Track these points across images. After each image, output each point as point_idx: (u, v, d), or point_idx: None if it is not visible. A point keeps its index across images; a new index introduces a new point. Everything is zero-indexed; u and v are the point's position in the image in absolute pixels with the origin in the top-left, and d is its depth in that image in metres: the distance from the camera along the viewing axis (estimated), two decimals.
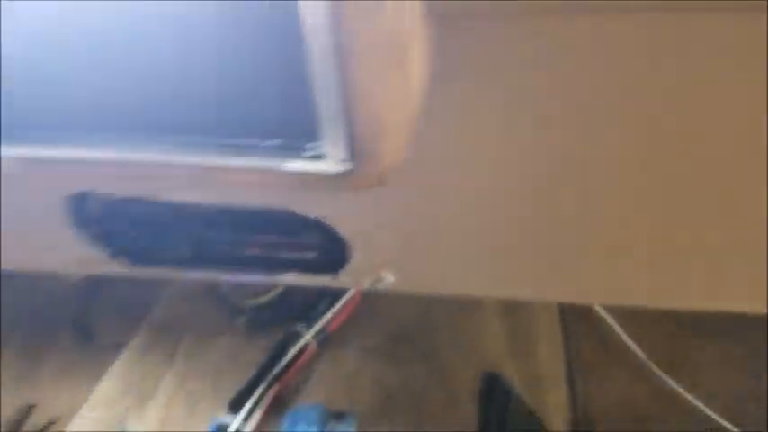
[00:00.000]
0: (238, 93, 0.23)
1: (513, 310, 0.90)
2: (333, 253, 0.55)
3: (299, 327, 0.79)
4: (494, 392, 0.79)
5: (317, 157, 0.24)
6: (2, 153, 0.28)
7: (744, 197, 0.38)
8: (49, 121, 0.27)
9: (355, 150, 0.23)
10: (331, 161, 0.24)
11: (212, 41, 0.22)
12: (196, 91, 0.23)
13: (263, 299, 0.84)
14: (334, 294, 0.81)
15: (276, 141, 0.24)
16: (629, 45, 0.29)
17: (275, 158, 0.24)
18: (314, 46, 0.21)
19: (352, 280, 0.54)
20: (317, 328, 0.79)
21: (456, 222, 0.48)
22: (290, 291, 0.84)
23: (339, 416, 0.70)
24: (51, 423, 0.90)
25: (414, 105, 0.25)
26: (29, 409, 0.93)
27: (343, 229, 0.49)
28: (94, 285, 1.13)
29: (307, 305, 0.82)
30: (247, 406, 0.70)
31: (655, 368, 0.89)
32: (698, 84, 0.31)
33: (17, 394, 0.95)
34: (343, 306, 0.80)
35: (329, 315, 0.80)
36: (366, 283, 0.54)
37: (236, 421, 0.68)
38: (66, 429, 0.78)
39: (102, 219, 0.58)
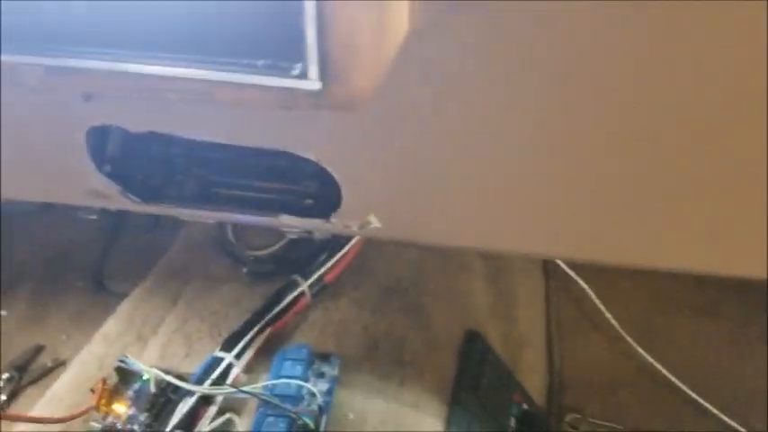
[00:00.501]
0: (234, 16, 0.28)
1: (500, 274, 0.95)
2: (327, 197, 0.59)
3: (297, 277, 0.84)
4: (472, 349, 0.84)
5: (299, 77, 0.28)
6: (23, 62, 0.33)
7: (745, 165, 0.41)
8: (63, 34, 0.31)
9: (329, 71, 0.28)
10: (309, 80, 0.28)
11: None
12: (196, 13, 0.28)
13: (267, 251, 0.90)
14: (333, 249, 0.86)
15: (265, 61, 0.29)
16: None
17: (263, 76, 0.29)
18: None
19: (341, 223, 0.59)
20: (313, 278, 0.84)
21: (447, 171, 0.52)
22: (292, 244, 0.89)
23: (324, 357, 0.76)
24: (58, 364, 0.96)
25: (389, 35, 0.29)
26: (36, 351, 0.99)
27: (337, 172, 0.53)
28: (109, 235, 1.18)
29: (307, 258, 0.88)
30: (240, 345, 0.76)
31: (628, 338, 0.93)
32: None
33: (26, 337, 1.01)
34: (339, 259, 0.85)
35: (325, 267, 0.84)
36: (354, 227, 0.59)
37: (228, 357, 0.74)
38: (71, 364, 0.83)
39: (116, 155, 0.63)
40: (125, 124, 0.55)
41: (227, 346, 0.76)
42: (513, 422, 0.82)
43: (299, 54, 0.28)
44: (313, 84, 0.28)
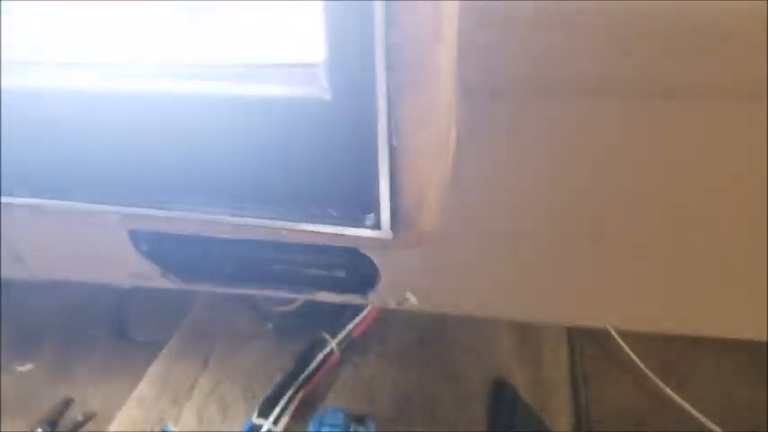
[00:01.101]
0: (309, 169, 0.29)
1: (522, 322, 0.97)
2: (362, 275, 0.61)
3: (325, 334, 0.85)
4: (502, 397, 0.86)
5: (372, 227, 0.30)
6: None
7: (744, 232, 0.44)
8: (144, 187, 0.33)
9: (400, 220, 0.29)
10: (383, 230, 0.30)
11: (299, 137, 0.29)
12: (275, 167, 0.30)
13: (291, 306, 0.91)
14: (357, 305, 0.87)
15: (338, 211, 0.30)
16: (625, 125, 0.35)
17: (338, 225, 0.31)
18: (378, 143, 0.27)
19: (378, 299, 0.61)
20: (341, 335, 0.85)
21: (476, 250, 0.53)
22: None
23: (359, 419, 0.77)
24: (89, 417, 0.97)
25: (447, 179, 0.31)
26: (66, 404, 0.99)
27: (376, 257, 0.55)
28: (129, 285, 1.19)
29: (332, 313, 0.89)
30: (277, 410, 0.77)
31: (652, 376, 0.95)
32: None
33: (54, 389, 1.02)
34: (365, 315, 0.86)
35: (352, 324, 0.86)
36: (392, 303, 0.61)
37: (267, 424, 0.75)
38: (109, 429, 0.84)
39: (156, 240, 0.64)
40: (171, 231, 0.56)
41: (264, 412, 0.77)
42: None
43: (371, 205, 0.30)
44: (385, 233, 0.30)
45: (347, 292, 0.62)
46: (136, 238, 0.62)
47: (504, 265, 0.54)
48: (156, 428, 0.78)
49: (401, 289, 0.59)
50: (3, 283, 1.18)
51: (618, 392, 0.97)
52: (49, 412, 0.97)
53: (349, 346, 0.87)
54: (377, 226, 0.30)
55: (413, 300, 0.59)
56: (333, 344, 0.85)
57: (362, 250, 0.38)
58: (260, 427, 0.74)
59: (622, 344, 0.96)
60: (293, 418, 0.78)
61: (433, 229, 0.30)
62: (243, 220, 0.32)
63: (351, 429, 0.75)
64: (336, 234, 0.31)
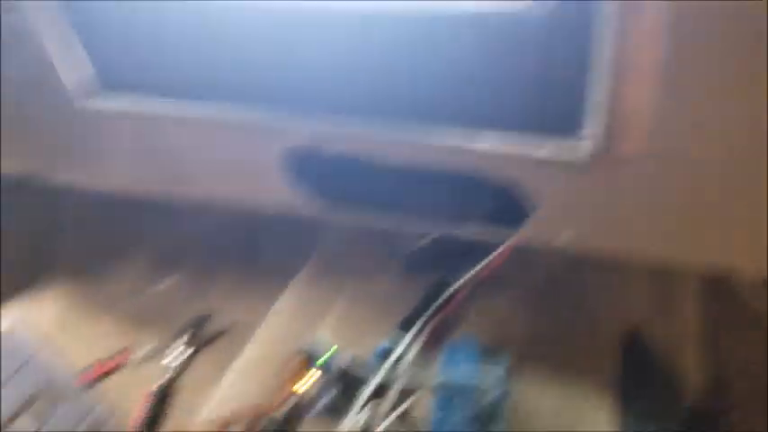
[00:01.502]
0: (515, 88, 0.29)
1: (658, 270, 0.93)
2: (515, 208, 0.61)
3: (455, 272, 0.86)
4: (635, 348, 0.84)
5: (577, 144, 0.30)
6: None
7: None
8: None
9: (610, 139, 0.29)
10: (586, 148, 0.29)
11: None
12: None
13: (422, 243, 0.93)
14: (488, 244, 0.87)
15: (546, 125, 0.30)
16: None
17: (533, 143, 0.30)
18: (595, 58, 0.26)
19: (529, 235, 0.60)
20: (471, 274, 0.86)
21: (651, 183, 0.51)
22: (445, 238, 0.92)
23: (493, 351, 0.78)
24: (225, 330, 1.04)
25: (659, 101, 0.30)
26: (203, 319, 1.08)
27: (537, 183, 0.54)
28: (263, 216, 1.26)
29: (463, 252, 0.90)
30: (408, 337, 0.80)
31: None
32: None
33: (191, 308, 1.10)
34: (497, 255, 0.86)
35: (483, 263, 0.86)
36: (543, 239, 0.60)
37: (401, 346, 0.78)
38: (251, 340, 0.91)
39: (305, 167, 0.67)
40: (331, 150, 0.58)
41: (395, 339, 0.80)
42: (679, 423, 0.82)
43: (578, 122, 0.29)
44: (590, 150, 0.29)
45: (497, 226, 0.62)
46: (286, 163, 0.65)
47: (677, 206, 0.52)
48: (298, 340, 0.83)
49: (557, 225, 0.58)
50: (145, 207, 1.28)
51: (752, 350, 0.92)
52: (186, 325, 1.05)
53: (479, 286, 0.87)
54: (581, 144, 0.29)
55: (567, 237, 0.59)
56: (463, 281, 0.86)
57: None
58: (392, 351, 0.78)
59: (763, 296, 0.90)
60: (426, 343, 0.81)
61: (640, 151, 0.30)
62: (441, 141, 0.32)
63: (484, 358, 0.77)
64: (538, 154, 0.31)
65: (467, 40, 0.29)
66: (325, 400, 0.74)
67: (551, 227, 0.58)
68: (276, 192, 0.67)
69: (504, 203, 0.63)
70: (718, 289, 0.96)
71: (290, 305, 0.90)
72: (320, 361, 0.78)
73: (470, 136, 0.32)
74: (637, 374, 0.80)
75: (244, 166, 0.67)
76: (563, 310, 0.83)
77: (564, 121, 0.28)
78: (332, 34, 0.33)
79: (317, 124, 0.37)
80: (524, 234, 0.60)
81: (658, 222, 0.52)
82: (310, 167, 0.67)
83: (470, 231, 0.63)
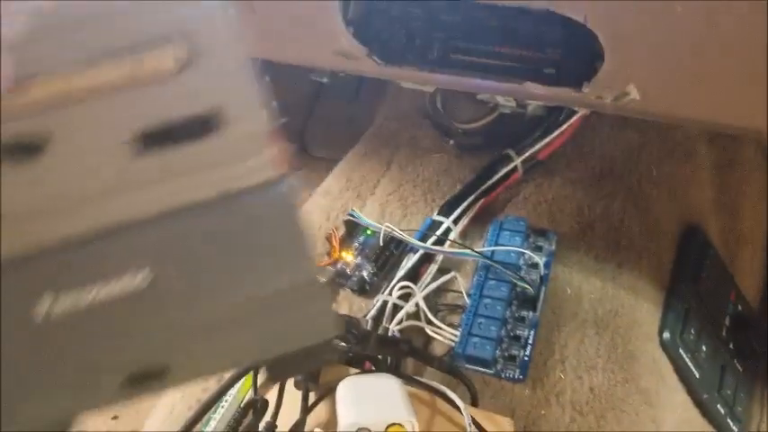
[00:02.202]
0: None
1: (726, 166, 0.88)
2: (581, 62, 0.57)
3: (510, 151, 0.83)
4: (693, 242, 0.80)
5: None
6: None
7: None
8: None
9: None
10: None
11: None
12: None
13: (476, 124, 0.89)
14: (547, 126, 0.84)
15: None
16: None
17: None
18: None
19: (594, 93, 0.56)
20: (526, 154, 0.83)
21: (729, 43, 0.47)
22: (501, 119, 0.88)
23: (540, 232, 0.76)
24: None
25: None
26: None
27: (605, 35, 0.50)
28: (312, 101, 1.25)
29: (517, 134, 0.86)
30: (457, 211, 0.78)
31: None
32: None
33: None
34: (554, 138, 0.83)
35: (539, 144, 0.83)
36: (608, 98, 0.56)
37: (447, 222, 0.76)
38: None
39: (363, 17, 0.64)
40: None
41: (445, 212, 0.78)
42: (727, 321, 0.79)
43: None
44: None
45: (560, 84, 0.58)
46: (346, 15, 0.62)
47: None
48: (342, 215, 0.83)
49: (623, 80, 0.54)
50: None
51: None
52: None
53: (534, 168, 0.85)
54: None
55: (635, 94, 0.54)
56: (517, 161, 0.83)
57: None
58: (440, 223, 0.76)
59: None
60: (472, 221, 0.79)
61: None
62: None
63: (531, 239, 0.75)
64: None
65: None
66: (364, 273, 0.73)
67: (618, 82, 0.54)
68: (337, 46, 0.64)
69: (570, 55, 0.59)
70: None
71: (338, 183, 0.89)
72: (362, 235, 0.78)
73: None
74: (691, 269, 0.77)
75: (303, 23, 0.64)
76: (618, 197, 0.79)
77: None
78: None
79: None
80: (592, 92, 0.56)
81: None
82: (364, 24, 0.64)
83: (534, 90, 0.59)
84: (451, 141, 0.93)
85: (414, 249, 0.74)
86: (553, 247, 0.74)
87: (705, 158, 0.86)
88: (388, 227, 0.74)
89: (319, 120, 1.27)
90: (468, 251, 0.71)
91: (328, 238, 0.78)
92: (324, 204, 0.87)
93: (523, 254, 0.71)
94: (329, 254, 0.77)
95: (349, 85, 1.23)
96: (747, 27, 0.45)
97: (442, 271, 0.74)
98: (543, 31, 0.63)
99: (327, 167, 1.05)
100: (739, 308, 0.82)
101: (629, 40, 0.50)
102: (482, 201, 0.80)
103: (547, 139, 0.83)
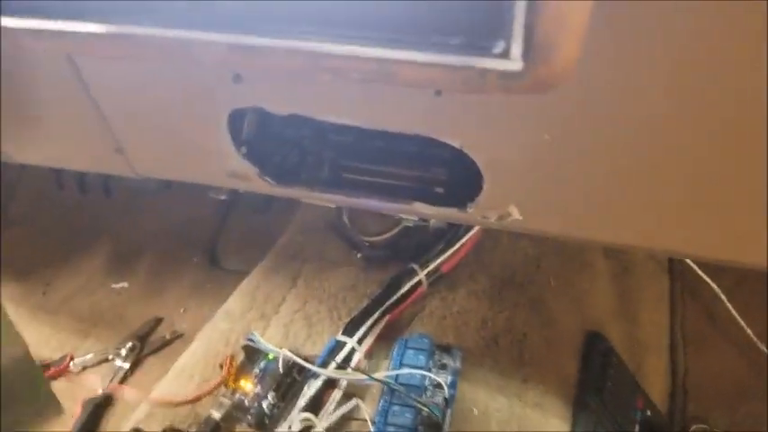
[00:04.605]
0: None
1: (623, 274, 0.90)
2: (463, 185, 0.58)
3: (414, 266, 0.83)
4: (595, 350, 0.81)
5: (500, 56, 0.27)
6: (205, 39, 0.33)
7: None
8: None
9: (535, 49, 0.26)
10: (512, 60, 0.27)
11: None
12: None
13: (381, 237, 0.89)
14: (450, 239, 0.84)
15: (460, 39, 0.27)
16: None
17: (458, 56, 0.27)
18: None
19: (479, 214, 0.57)
20: (430, 267, 0.82)
21: (596, 162, 0.49)
22: (406, 232, 0.88)
23: (445, 348, 0.74)
24: (177, 336, 1.00)
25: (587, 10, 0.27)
26: (156, 323, 1.03)
27: (481, 160, 0.52)
28: (223, 214, 1.23)
29: (421, 246, 0.87)
30: (362, 330, 0.76)
31: (761, 345, 0.87)
32: None
33: (146, 309, 1.06)
34: (457, 249, 0.83)
35: (443, 257, 0.83)
36: (492, 218, 0.57)
37: (351, 342, 0.74)
38: (197, 338, 0.86)
39: (252, 138, 0.64)
40: (268, 106, 0.55)
41: (349, 331, 0.76)
42: (636, 428, 0.78)
43: (500, 31, 0.26)
44: (514, 64, 0.27)
45: (446, 205, 0.59)
46: (235, 140, 0.62)
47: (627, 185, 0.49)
48: (243, 339, 0.79)
49: (504, 201, 0.55)
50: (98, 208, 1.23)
51: (719, 357, 0.89)
52: (139, 329, 1.01)
53: (438, 280, 0.84)
54: (506, 55, 0.26)
55: (516, 215, 0.56)
56: (421, 275, 0.82)
57: (481, 95, 0.34)
58: (344, 344, 0.73)
59: (728, 306, 0.88)
60: (377, 340, 0.77)
61: (569, 65, 0.27)
62: (353, 49, 0.29)
63: (436, 356, 0.73)
64: (454, 68, 0.28)
65: None
66: (264, 405, 0.69)
67: (499, 203, 0.55)
68: (230, 166, 0.63)
69: (453, 178, 0.60)
70: (689, 291, 0.94)
71: (241, 303, 0.86)
72: (263, 360, 0.74)
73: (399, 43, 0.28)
74: (596, 378, 0.76)
75: (194, 142, 0.63)
76: (520, 308, 0.80)
77: (489, 31, 0.25)
78: None
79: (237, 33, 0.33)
80: (477, 213, 0.56)
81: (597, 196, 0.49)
82: (255, 145, 0.64)
83: (421, 210, 0.59)
84: (359, 254, 0.92)
85: (316, 374, 0.70)
86: (458, 365, 0.72)
87: (602, 267, 0.89)
88: (287, 353, 0.70)
89: (231, 232, 1.24)
90: (372, 376, 0.68)
91: (223, 366, 0.73)
92: (223, 329, 0.83)
93: (428, 375, 0.69)
94: (226, 383, 0.72)
95: (260, 196, 1.23)
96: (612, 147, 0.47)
97: (347, 395, 0.70)
98: (430, 151, 0.65)
99: (239, 280, 1.02)
100: (648, 413, 0.82)
101: (505, 166, 0.52)
102: (387, 317, 0.79)
103: (449, 252, 0.83)
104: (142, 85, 0.58)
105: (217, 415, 0.69)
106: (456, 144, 0.52)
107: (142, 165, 0.67)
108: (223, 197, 0.80)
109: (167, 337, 1.00)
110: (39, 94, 0.61)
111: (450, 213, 0.59)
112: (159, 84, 0.57)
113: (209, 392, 0.71)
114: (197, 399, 0.70)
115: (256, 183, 0.64)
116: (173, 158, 0.66)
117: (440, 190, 0.63)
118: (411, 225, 0.85)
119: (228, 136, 0.60)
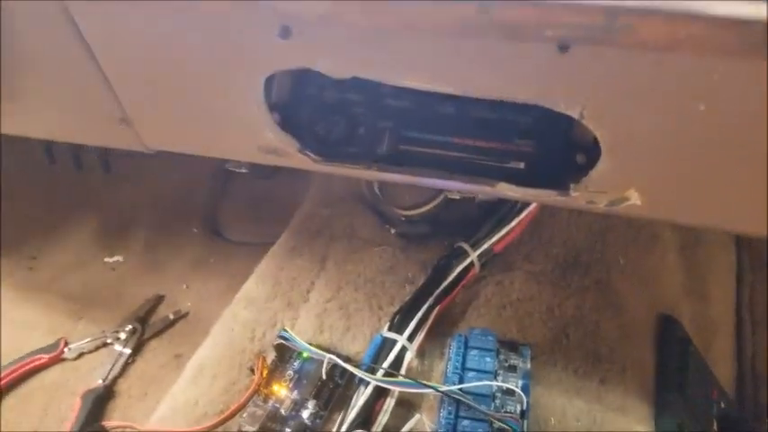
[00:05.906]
0: None
1: (692, 247, 0.81)
2: (541, 160, 0.47)
3: (463, 244, 0.72)
4: (671, 338, 0.72)
5: None
6: None
7: None
8: None
9: None
10: None
11: None
12: None
13: (419, 210, 0.78)
14: (502, 213, 0.74)
15: None
16: None
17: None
18: None
19: (583, 198, 0.46)
20: (482, 247, 0.72)
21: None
22: (448, 204, 0.77)
23: (511, 346, 0.64)
24: (181, 317, 0.90)
25: None
26: (157, 301, 0.92)
27: (605, 133, 0.40)
28: (223, 179, 1.10)
29: (466, 221, 0.76)
30: (411, 324, 0.65)
31: None
32: None
33: (144, 285, 0.94)
34: (512, 227, 0.72)
35: (496, 236, 0.72)
36: (601, 203, 0.46)
37: (400, 339, 0.63)
38: (214, 329, 0.75)
39: (289, 102, 0.52)
40: (324, 68, 0.43)
41: (397, 326, 0.65)
42: (715, 425, 0.70)
43: None
44: None
45: (534, 181, 0.48)
46: (269, 99, 0.49)
47: None
48: (270, 332, 0.68)
49: (624, 184, 0.44)
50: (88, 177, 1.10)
51: None
52: (138, 308, 0.90)
53: (488, 262, 0.74)
54: None
55: (635, 200, 0.45)
56: (473, 256, 0.71)
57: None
58: (393, 342, 0.63)
59: None
60: (429, 333, 0.66)
61: None
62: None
63: (501, 356, 0.63)
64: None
65: None
66: (305, 415, 0.59)
67: (616, 185, 0.44)
68: (262, 140, 0.51)
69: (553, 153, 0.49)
70: (758, 266, 0.85)
71: (263, 288, 0.74)
72: (296, 360, 0.63)
73: None
74: (676, 373, 0.68)
75: (219, 112, 0.51)
76: (587, 292, 0.70)
77: None
78: None
79: None
80: (579, 197, 0.45)
81: None
82: (295, 112, 0.51)
83: (507, 191, 0.48)
84: (393, 230, 0.81)
85: (365, 382, 0.60)
86: (528, 366, 0.62)
87: (669, 239, 0.79)
88: (334, 359, 0.59)
89: (232, 199, 1.12)
90: (433, 386, 0.57)
91: (254, 369, 0.62)
92: (246, 319, 0.71)
93: (499, 385, 0.59)
94: (258, 389, 0.62)
95: None
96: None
97: (401, 403, 0.60)
98: (510, 119, 0.53)
99: (247, 254, 0.91)
100: (722, 405, 0.74)
101: (637, 141, 0.40)
102: (438, 307, 0.68)
103: (504, 230, 0.72)
104: (155, 42, 0.45)
105: (251, 430, 0.59)
106: (574, 114, 0.40)
107: (153, 137, 0.54)
108: (244, 170, 0.67)
109: (171, 317, 0.89)
110: (30, 56, 0.48)
111: (546, 195, 0.48)
112: (177, 39, 0.44)
113: (243, 406, 0.60)
114: (231, 416, 0.60)
115: (295, 158, 0.52)
116: (191, 129, 0.53)
117: (521, 165, 0.52)
118: (457, 197, 0.73)
119: (264, 104, 0.47)
